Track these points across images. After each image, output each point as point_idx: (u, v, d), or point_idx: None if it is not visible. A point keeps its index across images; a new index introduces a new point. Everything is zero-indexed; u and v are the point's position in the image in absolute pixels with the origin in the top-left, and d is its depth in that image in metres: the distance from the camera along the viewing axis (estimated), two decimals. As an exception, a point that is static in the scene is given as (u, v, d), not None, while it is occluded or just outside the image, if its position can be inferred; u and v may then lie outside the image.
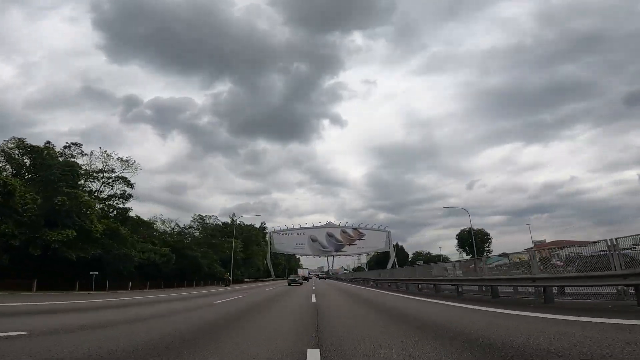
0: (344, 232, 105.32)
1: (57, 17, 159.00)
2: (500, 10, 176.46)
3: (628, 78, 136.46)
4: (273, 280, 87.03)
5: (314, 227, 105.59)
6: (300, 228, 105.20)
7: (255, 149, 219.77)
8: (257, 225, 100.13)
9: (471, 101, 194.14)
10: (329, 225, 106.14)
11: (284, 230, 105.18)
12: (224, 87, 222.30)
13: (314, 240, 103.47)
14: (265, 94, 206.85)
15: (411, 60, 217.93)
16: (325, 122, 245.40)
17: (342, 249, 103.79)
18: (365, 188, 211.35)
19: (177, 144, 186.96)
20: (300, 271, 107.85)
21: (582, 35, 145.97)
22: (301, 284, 32.53)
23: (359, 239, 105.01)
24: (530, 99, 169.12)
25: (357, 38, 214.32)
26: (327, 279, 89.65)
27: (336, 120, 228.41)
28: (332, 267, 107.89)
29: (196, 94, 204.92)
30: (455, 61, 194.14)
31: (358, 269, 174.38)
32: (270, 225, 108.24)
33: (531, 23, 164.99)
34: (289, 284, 30.36)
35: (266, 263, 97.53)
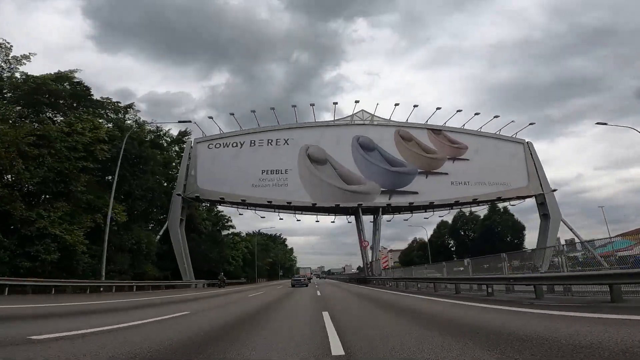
0: (406, 138, 35.30)
1: (50, 9, 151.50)
2: (508, 2, 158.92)
3: (638, 72, 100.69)
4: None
5: (315, 126, 35.79)
6: (278, 129, 35.42)
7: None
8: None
9: (477, 96, 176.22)
10: (362, 119, 36.29)
11: (228, 136, 35.50)
12: (221, 79, 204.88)
13: (317, 160, 33.53)
14: (264, 86, 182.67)
15: (416, 53, 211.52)
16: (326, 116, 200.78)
17: (407, 185, 33.48)
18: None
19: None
20: (301, 271, 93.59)
21: (592, 29, 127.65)
22: (307, 285, 28.75)
23: (453, 159, 35.17)
24: (538, 94, 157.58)
25: (360, 27, 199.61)
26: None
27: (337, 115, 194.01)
28: (376, 248, 35.84)
29: (192, 86, 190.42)
30: (462, 55, 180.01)
31: (359, 271, 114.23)
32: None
33: (540, 15, 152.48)
34: (293, 285, 27.92)
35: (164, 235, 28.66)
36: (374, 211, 33.90)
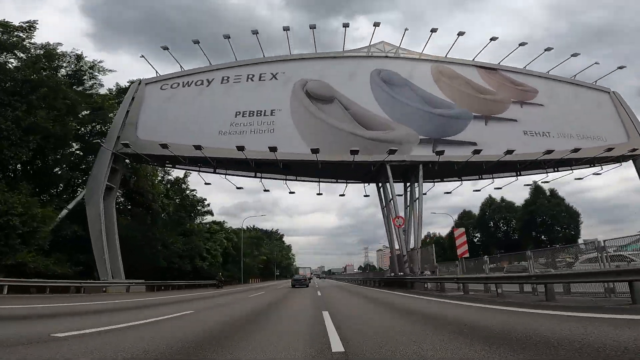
0: (449, 75, 24.31)
1: (49, 7, 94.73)
2: (509, 1, 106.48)
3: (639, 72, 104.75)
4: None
5: (316, 57, 24.58)
6: (264, 61, 24.25)
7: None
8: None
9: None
10: (384, 52, 25.20)
11: (192, 73, 24.35)
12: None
13: (320, 97, 22.27)
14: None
15: (417, 52, 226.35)
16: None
17: (458, 133, 22.18)
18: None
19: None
20: (301, 270, 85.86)
21: (594, 28, 71.78)
22: (307, 285, 29.61)
23: (521, 103, 23.97)
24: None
25: (361, 25, 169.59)
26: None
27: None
28: (416, 228, 21.40)
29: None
30: (463, 54, 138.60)
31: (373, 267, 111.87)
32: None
33: (541, 15, 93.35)
34: (293, 285, 28.16)
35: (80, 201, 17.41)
36: (408, 173, 22.50)
